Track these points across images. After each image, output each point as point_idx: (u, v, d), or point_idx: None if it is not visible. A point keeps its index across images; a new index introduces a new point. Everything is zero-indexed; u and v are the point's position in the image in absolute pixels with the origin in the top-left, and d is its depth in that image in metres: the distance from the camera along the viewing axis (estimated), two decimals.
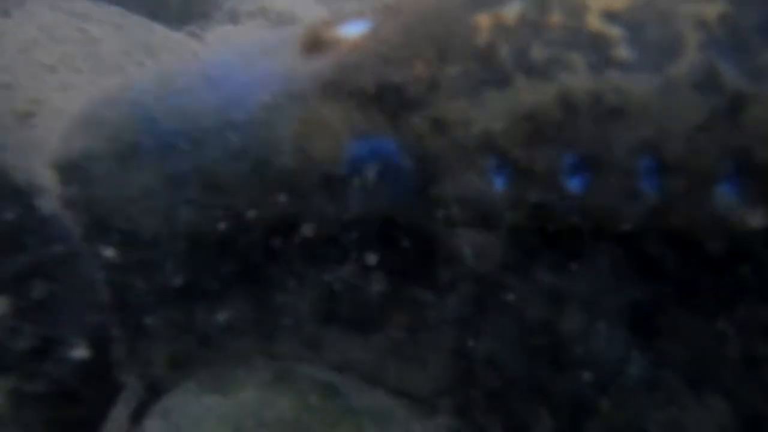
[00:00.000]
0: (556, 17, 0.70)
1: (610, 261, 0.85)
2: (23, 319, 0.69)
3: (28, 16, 1.08)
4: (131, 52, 1.11)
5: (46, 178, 0.85)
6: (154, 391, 0.85)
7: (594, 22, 0.69)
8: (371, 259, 0.93)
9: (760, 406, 0.82)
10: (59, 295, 0.71)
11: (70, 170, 0.80)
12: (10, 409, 0.71)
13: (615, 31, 0.68)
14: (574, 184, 0.75)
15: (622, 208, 0.76)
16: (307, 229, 0.94)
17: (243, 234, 0.86)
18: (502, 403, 0.88)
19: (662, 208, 0.74)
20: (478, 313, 0.90)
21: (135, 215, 0.80)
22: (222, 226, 0.83)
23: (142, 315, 0.89)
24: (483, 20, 0.73)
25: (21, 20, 1.07)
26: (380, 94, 0.75)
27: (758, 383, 0.82)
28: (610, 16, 0.69)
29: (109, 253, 0.79)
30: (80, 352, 0.71)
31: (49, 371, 0.71)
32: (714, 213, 0.72)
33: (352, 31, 0.78)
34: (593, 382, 0.86)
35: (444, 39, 0.74)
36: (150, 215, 0.81)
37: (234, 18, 1.62)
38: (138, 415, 0.82)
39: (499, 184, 0.77)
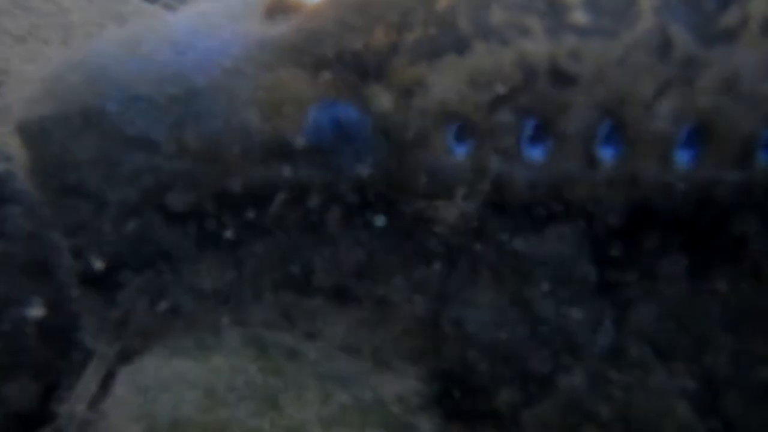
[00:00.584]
0: None
1: (575, 229, 0.86)
2: None
3: None
4: (103, 23, 1.10)
5: (12, 147, 0.85)
6: (125, 358, 0.86)
7: None
8: (340, 228, 0.93)
9: (721, 370, 0.83)
10: (15, 255, 0.71)
11: (33, 133, 0.80)
12: None
13: None
14: (534, 153, 0.76)
15: (582, 176, 0.76)
16: (279, 198, 0.94)
17: (210, 200, 0.87)
18: (471, 369, 0.89)
19: (622, 174, 0.74)
20: (448, 281, 0.91)
21: (99, 179, 0.80)
22: (187, 191, 0.83)
23: (111, 282, 0.90)
24: None
25: None
26: (341, 60, 0.75)
27: (721, 348, 0.83)
28: None
29: (71, 217, 0.79)
30: (36, 311, 0.71)
31: (4, 330, 0.71)
32: (673, 177, 0.73)
33: None
34: (563, 348, 0.87)
35: (404, 4, 0.74)
36: (114, 179, 0.81)
37: None
38: (107, 380, 0.83)
39: (460, 152, 0.77)
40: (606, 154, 0.73)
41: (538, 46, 0.69)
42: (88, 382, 0.76)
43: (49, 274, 0.74)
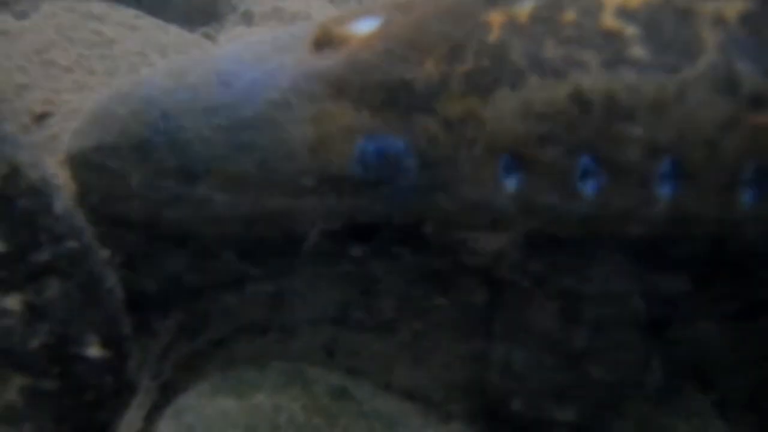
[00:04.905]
0: (569, 15, 0.69)
1: (626, 266, 0.83)
2: (36, 317, 0.69)
3: (44, 18, 1.10)
4: (145, 53, 1.12)
5: (60, 177, 0.85)
6: (168, 392, 0.85)
7: (608, 19, 0.68)
8: (383, 261, 0.92)
9: None
10: (72, 292, 0.71)
11: (81, 164, 0.80)
12: (23, 406, 0.71)
13: (630, 30, 0.67)
14: (588, 187, 0.74)
15: (636, 213, 0.74)
16: (317, 229, 0.93)
17: (253, 233, 0.86)
18: (516, 409, 0.86)
19: (679, 213, 0.72)
20: (493, 317, 0.89)
21: (145, 209, 0.80)
22: (230, 223, 0.82)
23: (155, 315, 0.89)
24: (495, 18, 0.72)
25: (38, 22, 1.09)
26: (390, 92, 0.75)
27: None
28: (626, 13, 0.67)
29: (121, 249, 0.79)
30: (93, 350, 0.71)
31: (62, 369, 0.71)
32: (737, 218, 0.70)
33: (363, 27, 0.78)
34: (611, 388, 0.84)
35: (456, 36, 0.73)
36: (160, 210, 0.81)
37: (248, 19, 1.63)
38: (151, 416, 0.82)
39: (510, 186, 0.75)
40: (664, 191, 0.71)
41: (594, 80, 0.68)
42: (133, 418, 0.75)
43: (103, 310, 0.73)
